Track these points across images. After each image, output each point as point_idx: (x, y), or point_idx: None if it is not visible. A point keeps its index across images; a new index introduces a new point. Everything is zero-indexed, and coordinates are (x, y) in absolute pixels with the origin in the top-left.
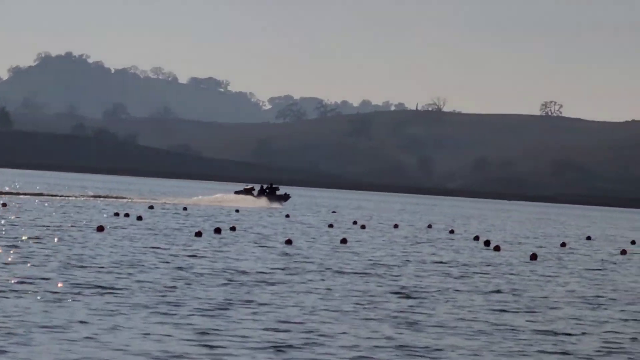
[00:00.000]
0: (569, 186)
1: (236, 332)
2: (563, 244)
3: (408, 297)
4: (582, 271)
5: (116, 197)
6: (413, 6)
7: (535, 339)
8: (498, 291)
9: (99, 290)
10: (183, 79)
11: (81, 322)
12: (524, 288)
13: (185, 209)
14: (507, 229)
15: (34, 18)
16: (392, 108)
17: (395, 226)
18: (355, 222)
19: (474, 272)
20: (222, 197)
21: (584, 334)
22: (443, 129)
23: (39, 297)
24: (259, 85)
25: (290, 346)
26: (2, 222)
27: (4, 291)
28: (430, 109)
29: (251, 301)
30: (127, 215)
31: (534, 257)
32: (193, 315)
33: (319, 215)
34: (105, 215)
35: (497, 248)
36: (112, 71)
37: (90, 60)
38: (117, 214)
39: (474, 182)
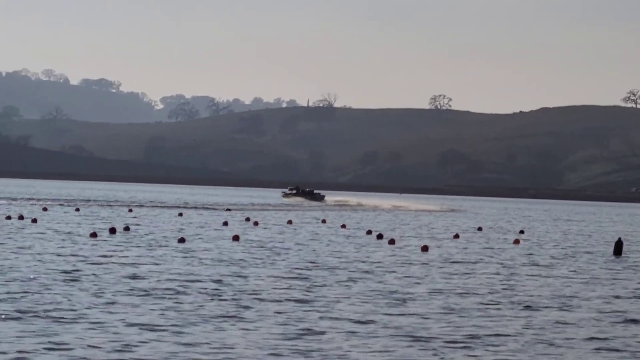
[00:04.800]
0: (455, 177)
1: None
2: (456, 236)
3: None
4: (472, 263)
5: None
6: (302, 3)
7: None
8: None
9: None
10: (75, 81)
11: None
12: (401, 283)
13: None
14: (400, 222)
15: None
16: (284, 105)
17: (290, 222)
18: (247, 219)
19: (375, 268)
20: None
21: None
22: (334, 124)
23: None
24: (151, 85)
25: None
26: None
27: None
28: (321, 104)
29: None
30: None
31: (424, 249)
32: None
33: (212, 213)
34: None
35: (391, 241)
36: (3, 74)
37: None
38: None
39: (364, 176)
